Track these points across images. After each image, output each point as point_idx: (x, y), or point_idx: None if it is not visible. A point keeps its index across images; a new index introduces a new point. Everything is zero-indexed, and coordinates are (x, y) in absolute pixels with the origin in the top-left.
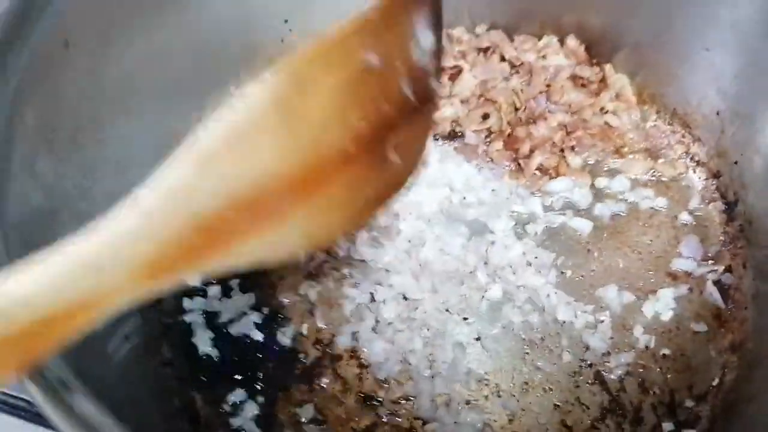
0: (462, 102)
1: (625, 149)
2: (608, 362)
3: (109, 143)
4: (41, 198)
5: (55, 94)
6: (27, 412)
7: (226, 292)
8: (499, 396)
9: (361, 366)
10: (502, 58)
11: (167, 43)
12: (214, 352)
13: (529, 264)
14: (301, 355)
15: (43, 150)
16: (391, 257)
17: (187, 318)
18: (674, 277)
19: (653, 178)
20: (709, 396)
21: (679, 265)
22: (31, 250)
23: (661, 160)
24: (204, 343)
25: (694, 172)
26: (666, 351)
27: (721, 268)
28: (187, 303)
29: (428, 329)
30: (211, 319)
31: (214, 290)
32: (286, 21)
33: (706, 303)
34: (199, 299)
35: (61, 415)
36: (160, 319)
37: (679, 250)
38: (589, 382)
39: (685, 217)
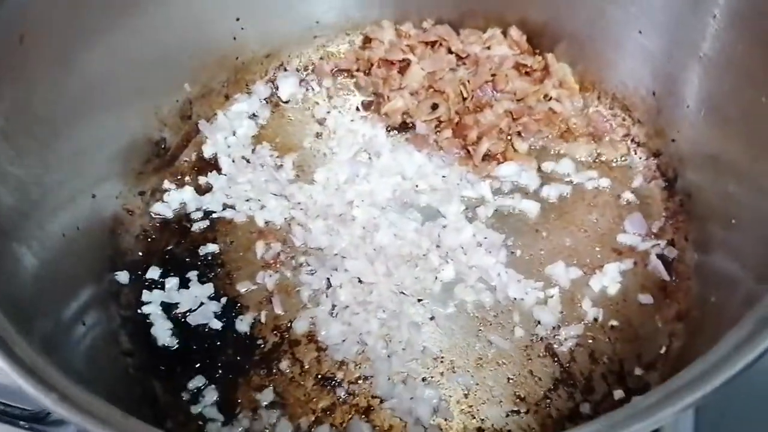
0: (411, 94)
1: (569, 134)
2: (558, 335)
3: (66, 139)
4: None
5: (13, 90)
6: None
7: (184, 284)
8: (454, 372)
9: (319, 349)
10: (449, 51)
11: (123, 45)
12: (172, 342)
13: (480, 245)
14: (260, 341)
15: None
16: (346, 243)
17: (146, 309)
18: (619, 253)
19: (597, 160)
20: (658, 363)
21: (624, 240)
22: None
23: (603, 143)
24: (163, 333)
25: (635, 152)
26: (614, 323)
27: (664, 242)
28: (146, 296)
29: (384, 311)
30: (169, 310)
31: (173, 282)
32: (237, 19)
33: (651, 276)
34: (157, 291)
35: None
36: (118, 311)
37: (624, 226)
38: (541, 354)
39: (628, 195)
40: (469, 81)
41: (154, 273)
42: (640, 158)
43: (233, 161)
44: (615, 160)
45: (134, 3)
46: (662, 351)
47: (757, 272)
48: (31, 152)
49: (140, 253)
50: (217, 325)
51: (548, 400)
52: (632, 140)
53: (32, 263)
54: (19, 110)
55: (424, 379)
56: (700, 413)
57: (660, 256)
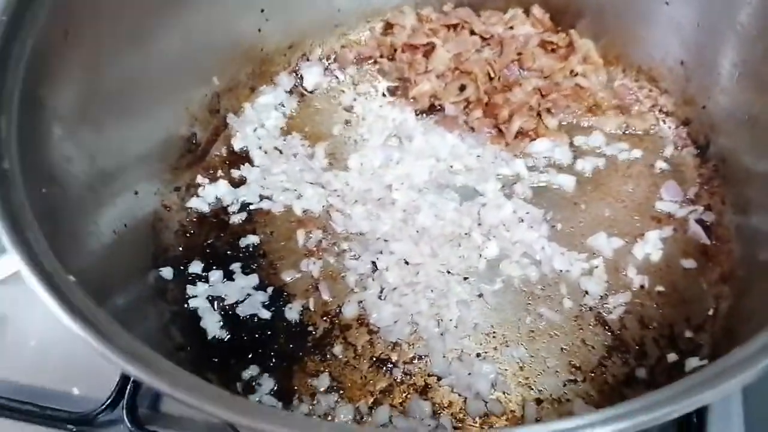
0: (438, 77)
1: (597, 108)
2: (607, 304)
3: (108, 137)
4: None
5: (58, 91)
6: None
7: (229, 276)
8: (508, 346)
9: (371, 332)
10: (472, 32)
11: (160, 43)
12: (223, 334)
13: (521, 220)
14: (311, 328)
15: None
16: (389, 227)
17: (193, 303)
18: (659, 220)
19: (627, 131)
20: (707, 325)
21: (662, 207)
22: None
23: (632, 115)
24: (213, 326)
25: (664, 122)
26: (660, 288)
27: (701, 207)
28: (190, 290)
29: (432, 290)
30: (217, 302)
31: (217, 275)
32: (262, 10)
33: (691, 241)
34: (201, 285)
35: None
36: (167, 307)
37: (660, 194)
38: (592, 324)
39: (661, 164)
40: (495, 61)
41: (196, 267)
42: (670, 127)
43: (265, 153)
44: (644, 131)
45: (172, 2)
46: (710, 313)
47: None
48: (73, 156)
49: (181, 248)
50: (266, 314)
51: (603, 368)
52: (660, 110)
53: (91, 258)
54: (65, 111)
55: (478, 355)
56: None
57: (699, 221)
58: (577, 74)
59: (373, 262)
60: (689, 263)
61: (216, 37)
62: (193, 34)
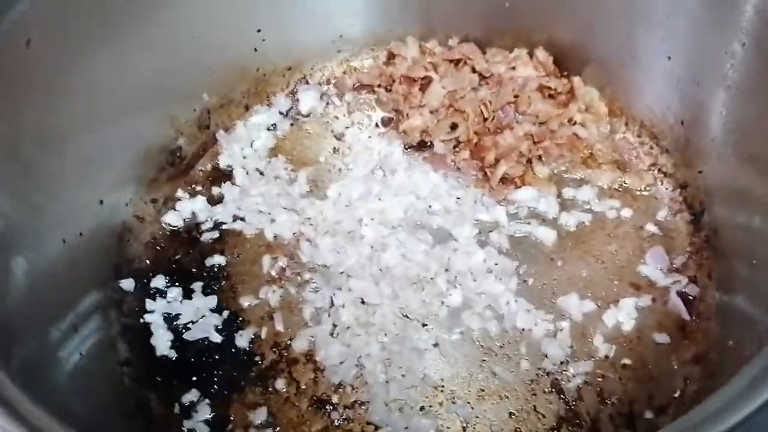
0: (431, 112)
1: (593, 160)
2: (566, 371)
3: (74, 147)
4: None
5: (17, 98)
6: None
7: (188, 294)
8: (454, 402)
9: (317, 370)
10: (473, 70)
11: (135, 54)
12: (171, 353)
13: (490, 271)
14: (258, 358)
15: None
16: (353, 262)
17: (148, 318)
18: (638, 287)
19: (620, 188)
20: (670, 408)
21: (645, 272)
22: None
23: (629, 172)
24: (162, 344)
25: (662, 183)
26: (626, 361)
27: (686, 279)
28: (149, 304)
29: (386, 334)
30: (170, 320)
31: (175, 292)
32: (258, 30)
33: (669, 314)
34: (161, 300)
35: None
36: (119, 319)
37: (644, 260)
38: (546, 390)
39: (651, 227)
40: (490, 101)
41: (159, 282)
42: (666, 189)
43: (247, 173)
44: (640, 190)
45: (149, 11)
46: (676, 395)
47: None
48: (36, 160)
49: (148, 261)
50: (216, 338)
51: None
52: (659, 170)
53: (26, 272)
54: (26, 117)
55: (422, 408)
56: None
57: (680, 294)
58: (575, 123)
59: (332, 297)
60: (663, 338)
61: (207, 54)
62: (179, 49)
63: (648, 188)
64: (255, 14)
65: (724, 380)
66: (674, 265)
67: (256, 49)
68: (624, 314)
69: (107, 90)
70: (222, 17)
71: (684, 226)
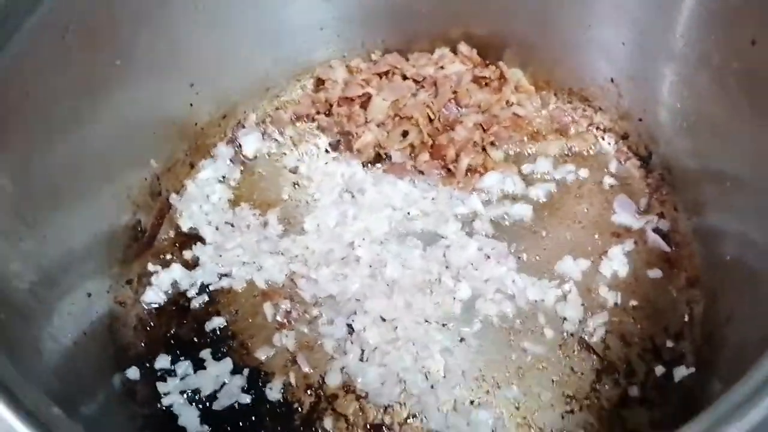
0: (378, 126)
1: (538, 134)
2: (587, 327)
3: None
4: None
5: None
6: None
7: (200, 365)
8: (499, 387)
9: (359, 398)
10: (404, 77)
11: (89, 134)
12: (204, 428)
13: (488, 257)
14: (296, 405)
15: None
16: (358, 285)
17: (166, 402)
18: (618, 235)
19: (570, 153)
20: (686, 331)
21: (619, 221)
22: None
23: (571, 136)
24: (192, 422)
25: (603, 139)
26: (633, 302)
27: (655, 217)
28: (161, 387)
29: (413, 344)
30: (192, 396)
31: (185, 366)
32: (192, 84)
33: (653, 250)
34: (172, 380)
35: None
36: (138, 410)
37: (614, 209)
38: (576, 350)
39: (608, 180)
40: (432, 102)
41: (163, 362)
42: (609, 143)
43: (216, 228)
44: (587, 150)
45: (99, 88)
46: (686, 319)
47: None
48: (20, 253)
49: (143, 344)
50: (246, 399)
51: (596, 392)
52: (597, 128)
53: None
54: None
55: (472, 402)
56: None
57: (656, 230)
58: (512, 104)
59: (349, 325)
60: (655, 273)
61: (148, 117)
62: (124, 118)
63: (593, 147)
64: (188, 68)
65: (725, 296)
66: (641, 208)
67: (191, 104)
68: (616, 262)
69: (66, 176)
70: (158, 76)
71: (636, 171)
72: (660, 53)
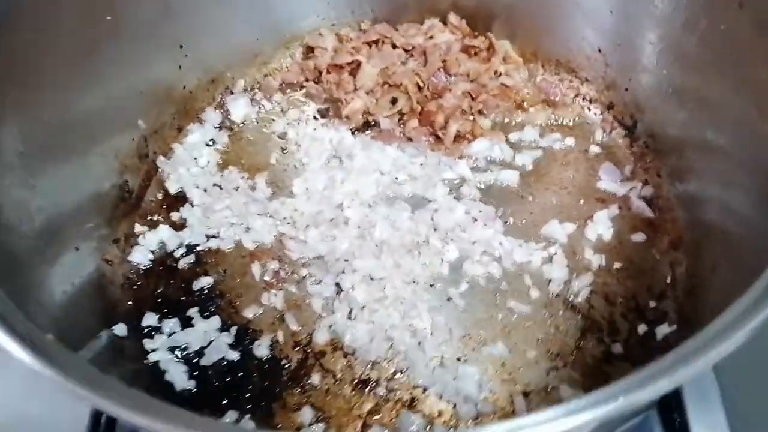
0: (368, 93)
1: (525, 104)
2: (571, 288)
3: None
4: None
5: None
6: None
7: (187, 323)
8: (486, 345)
9: (347, 355)
10: (394, 46)
11: (80, 91)
12: (192, 384)
13: (475, 220)
14: (284, 362)
15: None
16: (347, 245)
17: (153, 357)
18: (603, 201)
19: (556, 123)
20: (668, 291)
21: (604, 187)
22: None
23: (558, 107)
24: (179, 378)
25: (589, 109)
26: (617, 265)
27: (640, 183)
28: (148, 343)
29: (401, 302)
30: (180, 352)
31: (173, 324)
32: (181, 46)
33: (637, 216)
34: (159, 337)
35: None
36: (126, 366)
37: (599, 176)
38: (561, 309)
39: (594, 149)
40: (422, 71)
41: (150, 319)
42: (596, 113)
43: (204, 191)
44: (573, 120)
45: (89, 49)
46: (668, 280)
47: (748, 189)
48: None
49: (130, 302)
50: (234, 355)
51: (580, 350)
52: (584, 98)
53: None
54: None
55: (459, 359)
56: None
57: (640, 197)
58: (501, 74)
59: (337, 284)
60: (639, 237)
61: (137, 78)
62: (114, 79)
63: (579, 117)
64: (177, 29)
65: (705, 257)
66: (625, 175)
67: (180, 67)
68: (601, 226)
69: (59, 134)
70: (148, 35)
71: (621, 140)
72: (646, 18)
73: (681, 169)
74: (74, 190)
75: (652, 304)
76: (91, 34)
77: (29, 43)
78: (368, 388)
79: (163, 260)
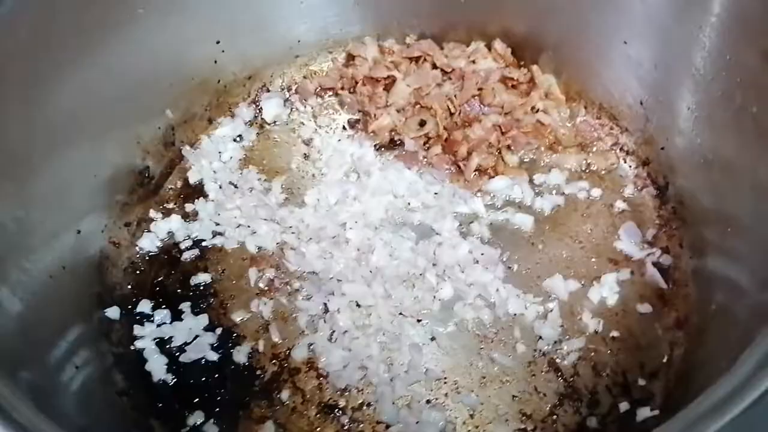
0: (398, 111)
1: (558, 145)
2: (560, 349)
3: (45, 175)
4: None
5: None
6: None
7: (177, 316)
8: (458, 392)
9: (320, 376)
10: (434, 66)
11: (98, 77)
12: (169, 378)
13: (477, 261)
14: (259, 372)
15: None
16: (342, 266)
17: (139, 345)
18: (616, 263)
19: (587, 170)
20: (661, 373)
21: (621, 247)
22: None
23: (593, 153)
24: (158, 369)
25: (625, 161)
26: (615, 333)
27: (659, 250)
28: (137, 330)
29: (384, 334)
30: (163, 344)
31: (163, 315)
32: (218, 42)
33: (648, 285)
34: (149, 325)
35: None
36: (110, 349)
37: (619, 235)
38: (544, 370)
39: (620, 204)
40: (455, 96)
41: (145, 307)
42: (630, 166)
43: (220, 187)
44: (605, 170)
45: (108, 30)
46: (664, 360)
47: (760, 277)
48: (8, 193)
49: (129, 287)
50: (213, 357)
51: (554, 416)
52: (621, 149)
53: (16, 307)
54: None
55: (428, 402)
56: None
57: (656, 264)
58: (538, 110)
59: (325, 304)
60: (645, 308)
61: (168, 69)
62: (142, 67)
63: (612, 167)
64: (214, 26)
65: (708, 343)
66: (646, 238)
67: (215, 61)
68: (607, 289)
69: (71, 116)
70: (182, 31)
71: (651, 200)
72: (687, 80)
73: (704, 243)
74: (86, 172)
75: (641, 382)
76: (121, 21)
77: (51, 25)
78: (333, 414)
79: (169, 250)
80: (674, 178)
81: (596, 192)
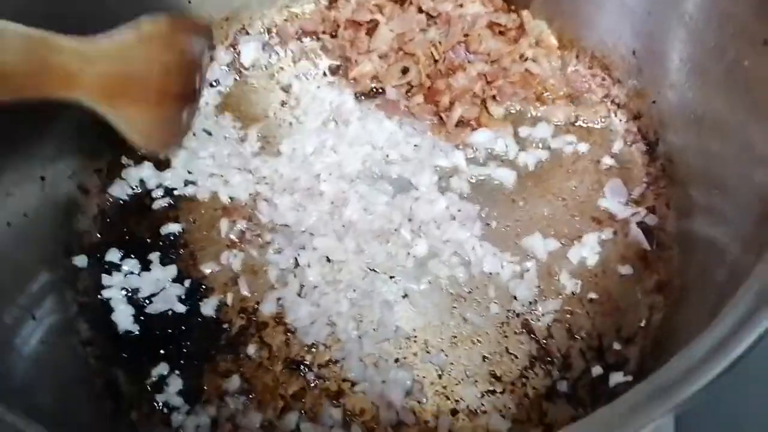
0: (380, 57)
1: (547, 96)
2: (535, 310)
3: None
4: None
5: None
6: None
7: (146, 266)
8: (428, 352)
9: (288, 332)
10: (420, 10)
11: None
12: (135, 328)
13: (454, 218)
14: (226, 325)
15: None
16: (314, 219)
17: (106, 294)
18: (599, 222)
19: (575, 123)
20: (637, 337)
21: (605, 206)
22: None
23: (582, 105)
24: (124, 319)
25: (615, 114)
26: (593, 295)
27: (645, 210)
28: (105, 279)
29: (354, 290)
30: (130, 294)
31: (132, 264)
32: None
33: (631, 246)
34: (117, 275)
35: None
36: (75, 298)
37: (604, 193)
38: (517, 331)
39: (607, 160)
40: (440, 42)
41: (113, 255)
42: (620, 120)
43: (194, 134)
44: (594, 123)
45: None
46: (642, 324)
47: (743, 240)
48: None
49: (98, 235)
50: (181, 308)
51: (524, 379)
52: (612, 101)
53: None
54: None
55: (396, 360)
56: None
57: (640, 225)
58: (527, 59)
59: (296, 258)
60: (626, 270)
61: (138, 6)
62: (108, 5)
63: (602, 121)
64: None
65: (687, 308)
66: (632, 197)
67: (189, 1)
68: (588, 249)
69: None
70: None
71: (640, 157)
72: (680, 29)
73: (691, 203)
74: (52, 117)
75: (617, 346)
76: None
77: None
78: (299, 370)
79: (140, 198)
80: (664, 133)
81: (583, 147)
